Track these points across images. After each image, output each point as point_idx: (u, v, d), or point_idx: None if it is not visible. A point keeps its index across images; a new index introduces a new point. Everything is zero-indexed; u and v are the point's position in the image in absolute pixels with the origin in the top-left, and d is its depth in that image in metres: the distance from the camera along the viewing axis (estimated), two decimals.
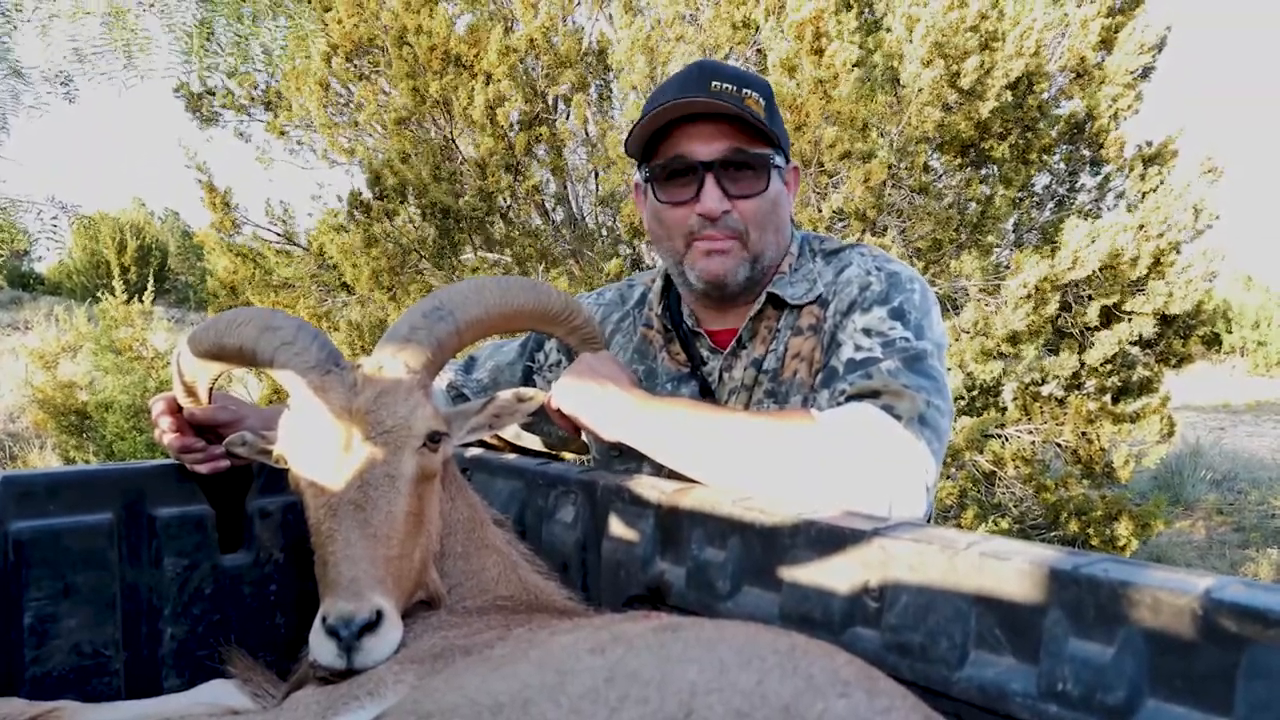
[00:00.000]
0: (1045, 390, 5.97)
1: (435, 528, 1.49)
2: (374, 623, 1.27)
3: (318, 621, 1.29)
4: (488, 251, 5.34)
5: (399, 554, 1.36)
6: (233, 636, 1.77)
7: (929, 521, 1.88)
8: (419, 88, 5.17)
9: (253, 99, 6.29)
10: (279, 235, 6.37)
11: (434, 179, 5.08)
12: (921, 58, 4.39)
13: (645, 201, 1.90)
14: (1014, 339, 5.03)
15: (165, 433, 1.71)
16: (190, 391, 1.70)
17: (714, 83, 1.72)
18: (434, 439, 1.46)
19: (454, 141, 5.37)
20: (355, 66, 5.97)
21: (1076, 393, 5.89)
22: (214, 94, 6.27)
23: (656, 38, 5.30)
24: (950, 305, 5.16)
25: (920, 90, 4.43)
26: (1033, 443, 5.91)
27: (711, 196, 1.74)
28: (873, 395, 1.56)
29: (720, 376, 1.87)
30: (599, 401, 1.65)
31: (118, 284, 7.11)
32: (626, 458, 1.83)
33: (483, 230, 5.21)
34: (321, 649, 1.27)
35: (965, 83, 4.48)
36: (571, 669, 0.89)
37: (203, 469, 1.75)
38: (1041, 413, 5.91)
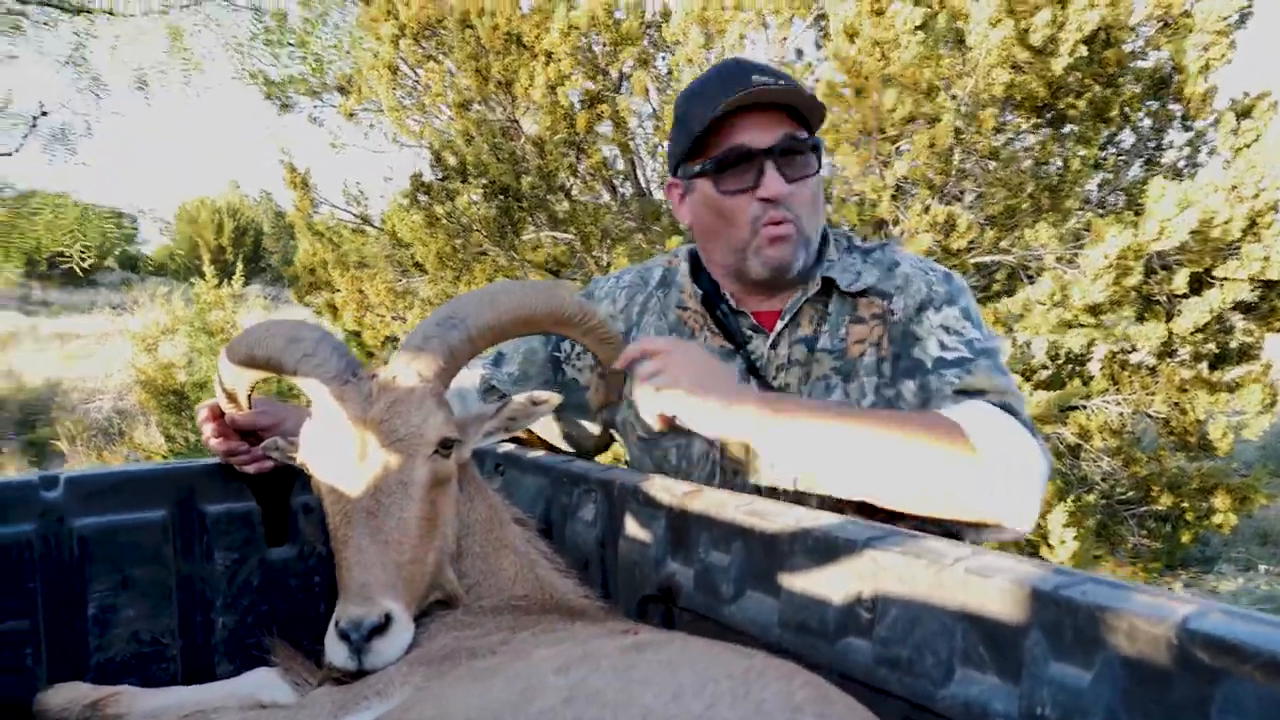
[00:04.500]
0: (1135, 358, 5.73)
1: (451, 529, 1.54)
2: (383, 626, 1.33)
3: (331, 624, 1.36)
4: (551, 230, 5.39)
5: (411, 558, 1.42)
6: (280, 626, 1.87)
7: None
8: (481, 69, 5.22)
9: (325, 85, 6.46)
10: (355, 216, 6.55)
11: (495, 158, 5.14)
12: (990, 17, 4.22)
13: (690, 198, 1.93)
14: (1094, 310, 4.84)
15: (210, 438, 1.81)
16: (231, 397, 1.78)
17: (754, 76, 1.76)
18: (446, 445, 1.50)
19: (516, 121, 5.42)
20: (423, 49, 6.07)
21: (1168, 361, 5.63)
22: (291, 81, 6.46)
23: (715, 8, 5.23)
24: (1024, 275, 4.99)
25: (988, 51, 4.26)
26: (1121, 414, 5.69)
27: (775, 180, 1.78)
28: (979, 393, 1.64)
29: (766, 355, 1.89)
30: (717, 408, 1.57)
31: (209, 269, 7.43)
32: (677, 434, 1.82)
33: (544, 209, 5.26)
34: (334, 651, 1.34)
35: (1036, 39, 4.29)
36: (536, 687, 0.93)
37: (248, 469, 1.84)
38: (1130, 382, 5.69)
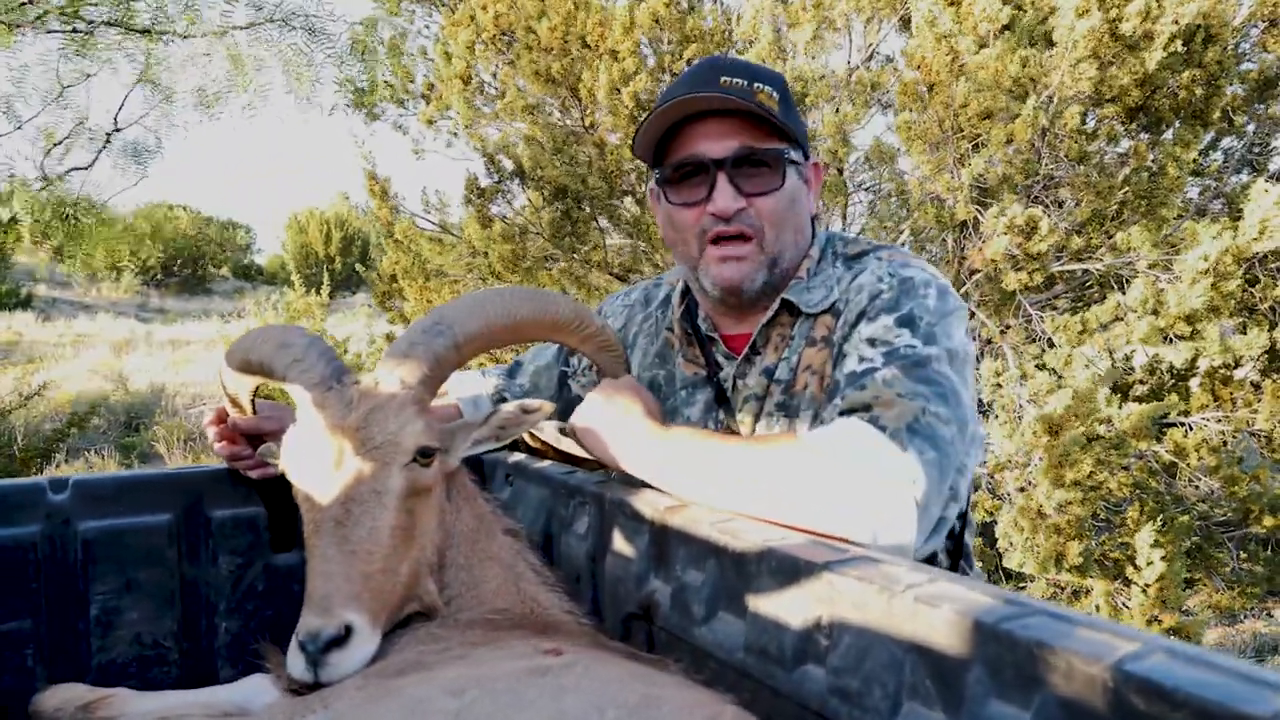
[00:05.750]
0: (1239, 374, 5.37)
1: (431, 540, 1.50)
2: (342, 638, 1.30)
3: (294, 635, 1.33)
4: (616, 236, 5.36)
5: (381, 568, 1.38)
6: (283, 632, 1.86)
7: (957, 537, 1.73)
8: (541, 70, 5.23)
9: (409, 93, 6.57)
10: (434, 224, 6.65)
11: (554, 161, 5.13)
12: (1077, 7, 3.99)
13: (659, 206, 1.84)
14: (1191, 318, 4.53)
15: (214, 441, 1.82)
16: (235, 402, 1.79)
17: (723, 78, 1.65)
18: (425, 454, 1.46)
19: (587, 126, 5.40)
20: (503, 55, 6.11)
21: (1274, 376, 5.25)
22: (375, 89, 6.59)
23: (796, 7, 5.11)
24: (1115, 283, 4.72)
25: (1075, 44, 4.03)
26: (1222, 431, 5.34)
27: (724, 195, 1.66)
28: (864, 409, 1.43)
29: (734, 384, 1.80)
30: (608, 438, 1.62)
31: (296, 277, 7.65)
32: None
33: (609, 212, 5.23)
34: (292, 662, 1.32)
35: (1126, 29, 4.03)
36: (426, 711, 0.89)
37: (253, 474, 1.84)
38: (1232, 398, 5.33)
